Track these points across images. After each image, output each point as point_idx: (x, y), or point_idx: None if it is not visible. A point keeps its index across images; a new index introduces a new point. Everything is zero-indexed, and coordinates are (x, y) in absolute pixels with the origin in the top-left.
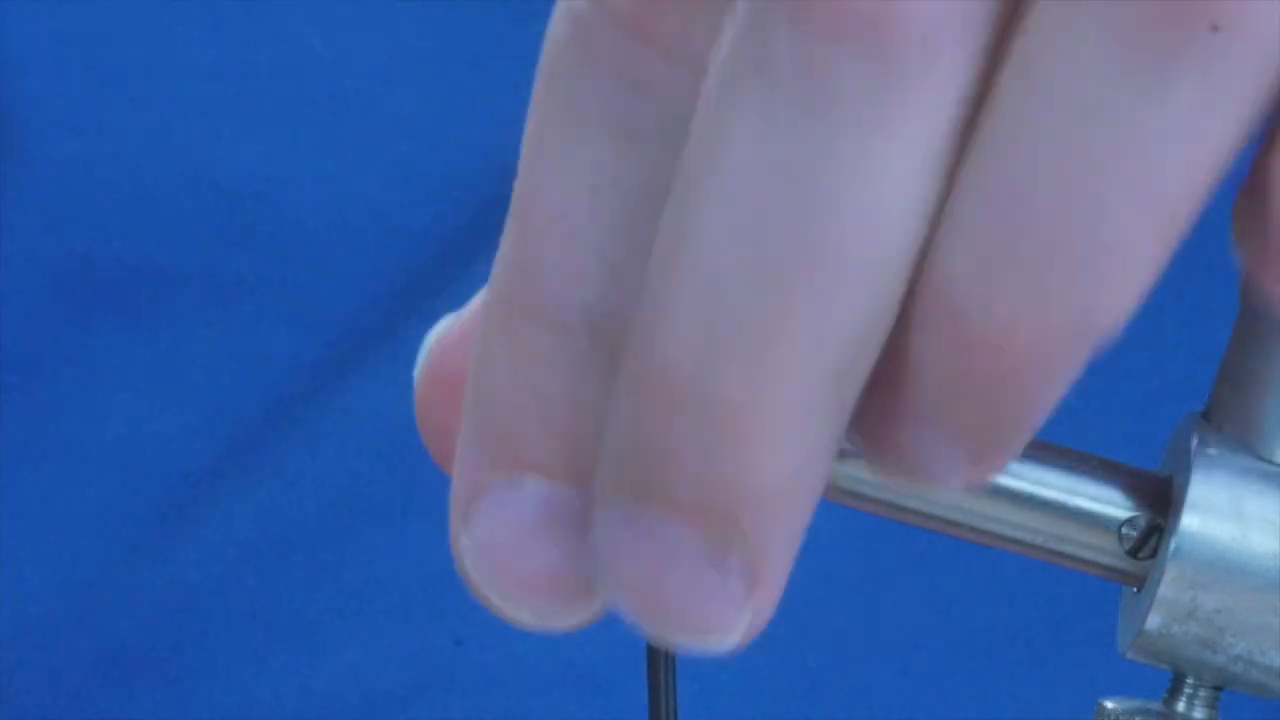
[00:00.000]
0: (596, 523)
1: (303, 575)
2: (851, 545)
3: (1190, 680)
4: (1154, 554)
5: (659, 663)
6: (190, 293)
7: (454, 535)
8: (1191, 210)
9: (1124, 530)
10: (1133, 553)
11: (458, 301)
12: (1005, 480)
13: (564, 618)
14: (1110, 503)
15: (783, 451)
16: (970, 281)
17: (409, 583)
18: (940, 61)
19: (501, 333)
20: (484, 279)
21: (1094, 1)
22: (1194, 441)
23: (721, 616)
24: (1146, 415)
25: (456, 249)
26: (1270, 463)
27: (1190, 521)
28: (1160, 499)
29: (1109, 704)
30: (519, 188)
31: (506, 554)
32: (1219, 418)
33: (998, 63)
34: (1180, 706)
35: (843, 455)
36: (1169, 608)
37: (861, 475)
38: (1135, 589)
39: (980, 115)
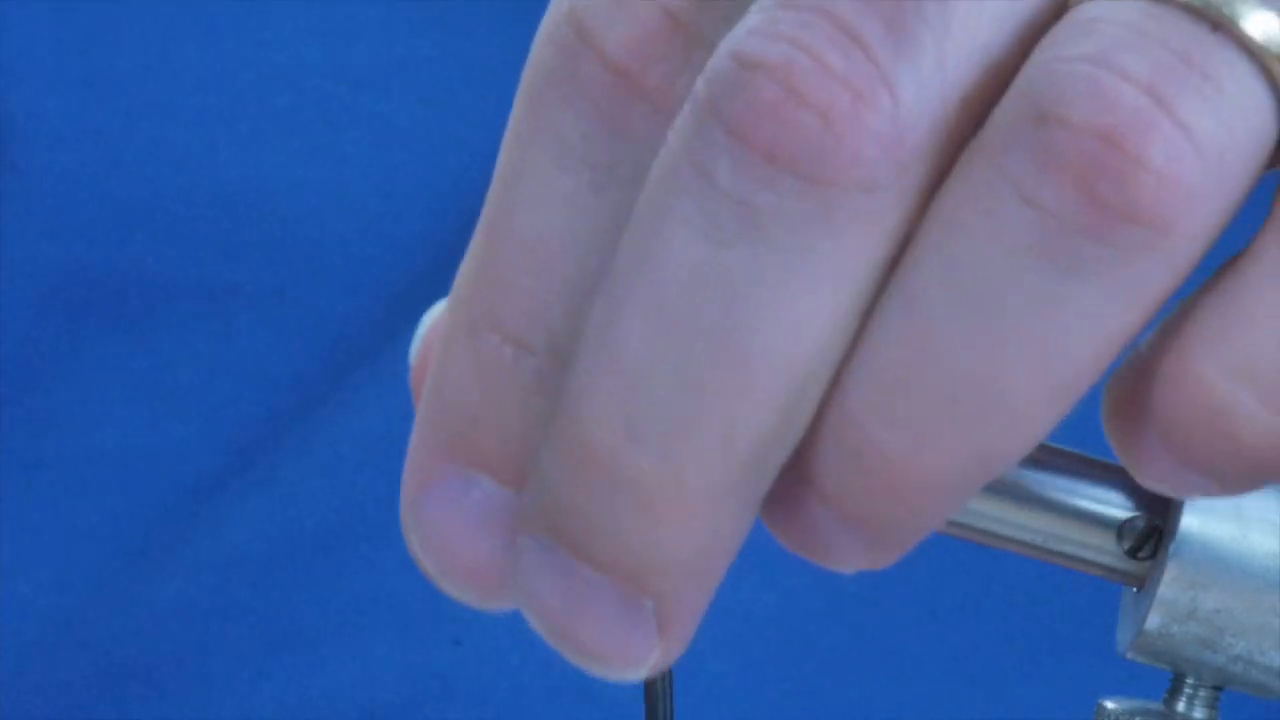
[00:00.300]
0: (519, 548)
1: (301, 586)
2: None
3: (1190, 680)
4: (1154, 554)
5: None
6: (186, 303)
7: (403, 517)
8: (1087, 384)
9: (1124, 530)
10: (1133, 553)
11: None
12: (1005, 480)
13: (498, 602)
14: (1110, 503)
15: (692, 530)
16: (872, 412)
17: (407, 594)
18: (874, 202)
19: (463, 338)
20: None
21: (1023, 187)
22: None
23: (629, 652)
24: None
25: (453, 258)
26: None
27: (1190, 522)
28: (1160, 499)
29: (1109, 704)
30: (492, 203)
31: (451, 541)
32: None
33: (926, 211)
34: (1180, 706)
35: None
36: (1169, 608)
37: None
38: (1135, 589)
39: (903, 258)
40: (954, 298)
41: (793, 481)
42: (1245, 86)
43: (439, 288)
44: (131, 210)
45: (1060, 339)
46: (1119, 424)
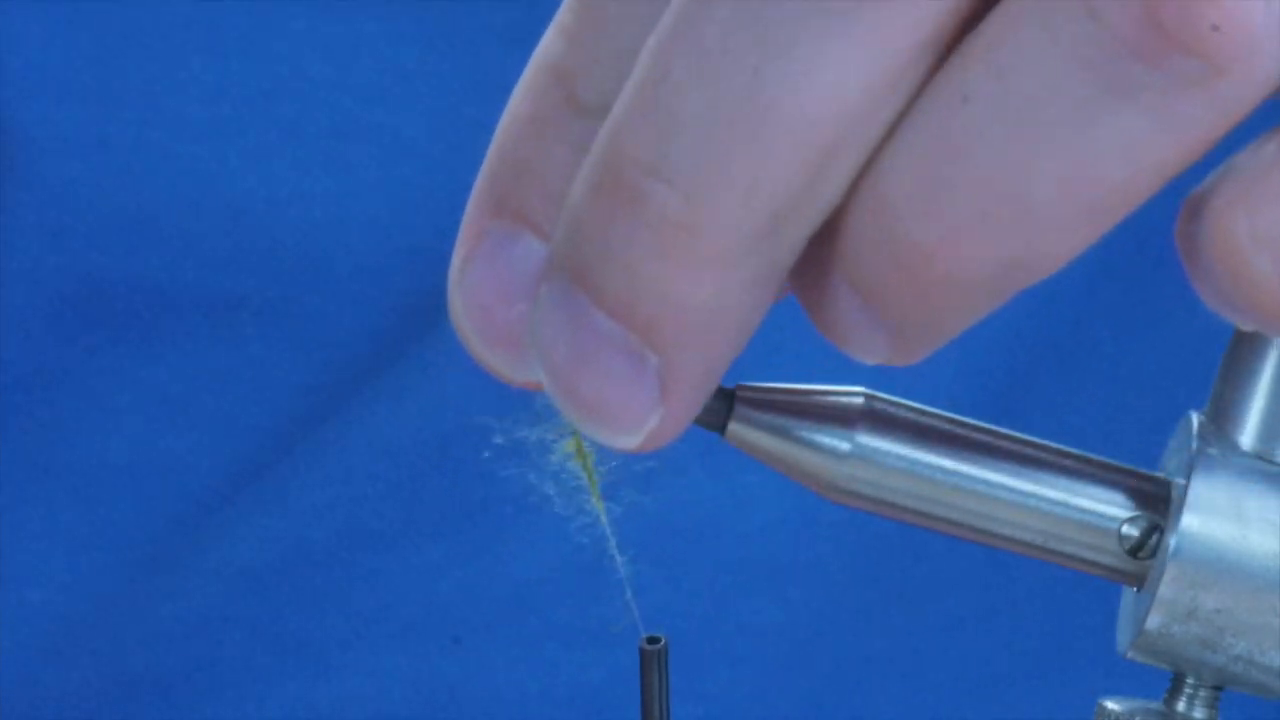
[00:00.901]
0: (538, 297)
1: (308, 597)
2: (849, 561)
3: (1190, 680)
4: (1154, 554)
5: (652, 682)
6: (194, 314)
7: (450, 279)
8: (1121, 210)
9: (1124, 530)
10: (1133, 553)
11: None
12: (1005, 480)
13: (527, 370)
14: (1110, 503)
15: (705, 281)
16: (907, 202)
17: (413, 606)
18: None
19: (525, 87)
20: None
21: (1084, 7)
22: (1194, 441)
23: (629, 411)
24: (1146, 415)
25: None
26: (1270, 463)
27: (1190, 521)
28: (1160, 499)
29: (1109, 704)
30: None
31: (490, 300)
32: (1219, 418)
33: (976, 16)
34: (1180, 706)
35: (843, 456)
36: (1169, 608)
37: (862, 475)
38: (1135, 589)
39: (954, 53)
40: (999, 97)
41: (826, 265)
42: None
43: (445, 298)
44: (140, 222)
45: (1094, 157)
46: (1182, 244)
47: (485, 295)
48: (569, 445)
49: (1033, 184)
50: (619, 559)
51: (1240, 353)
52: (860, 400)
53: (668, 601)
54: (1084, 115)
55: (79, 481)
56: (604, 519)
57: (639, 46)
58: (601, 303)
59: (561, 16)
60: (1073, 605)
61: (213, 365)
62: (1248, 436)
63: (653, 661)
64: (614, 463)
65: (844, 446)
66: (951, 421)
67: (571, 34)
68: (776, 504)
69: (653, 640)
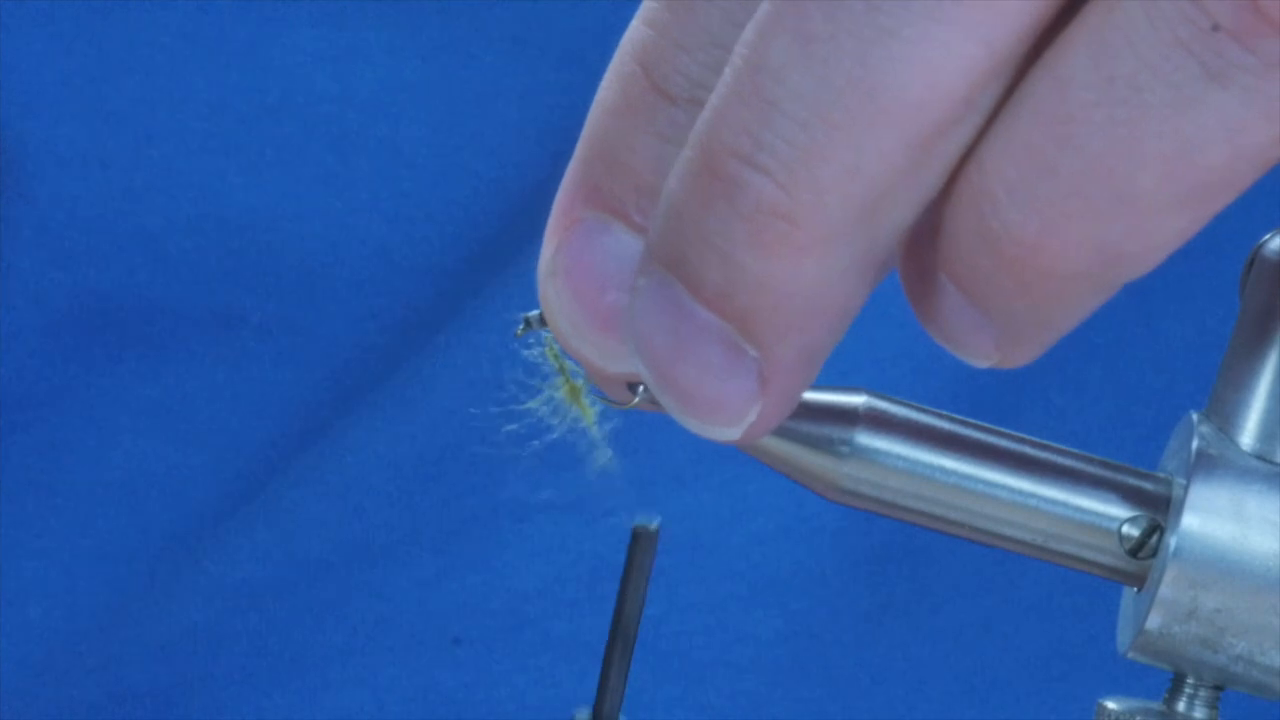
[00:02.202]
0: (635, 289)
1: (305, 612)
2: (849, 571)
3: (1190, 680)
4: (1154, 554)
5: (640, 564)
6: (194, 329)
7: (542, 267)
8: (1222, 196)
9: (1124, 530)
10: (1133, 553)
11: (461, 338)
12: (1006, 480)
13: (618, 361)
14: (1110, 503)
15: (803, 269)
16: (1006, 190)
17: (411, 619)
18: None
19: (615, 78)
20: (488, 314)
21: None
22: (1194, 441)
23: (728, 404)
24: (1146, 415)
25: (460, 285)
26: (1270, 463)
27: (1191, 521)
28: (1161, 499)
29: (1109, 704)
30: None
31: (585, 287)
32: (1219, 418)
33: (1076, 3)
34: (1181, 706)
35: (844, 456)
36: (1169, 608)
37: (863, 475)
38: (1136, 589)
39: (1055, 39)
40: (1100, 83)
41: (930, 264)
42: None
43: (446, 315)
44: (140, 237)
45: (1194, 140)
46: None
47: (577, 284)
48: (560, 386)
49: (1134, 168)
50: (607, 452)
51: (1240, 353)
52: (861, 400)
53: (668, 612)
54: (1183, 97)
55: (78, 497)
56: (594, 428)
57: (727, 36)
58: (699, 293)
59: (648, 6)
60: (1073, 614)
61: (212, 381)
62: (1248, 437)
63: (644, 545)
64: (615, 421)
65: (845, 447)
66: (952, 421)
67: (660, 24)
68: (776, 514)
69: (644, 526)
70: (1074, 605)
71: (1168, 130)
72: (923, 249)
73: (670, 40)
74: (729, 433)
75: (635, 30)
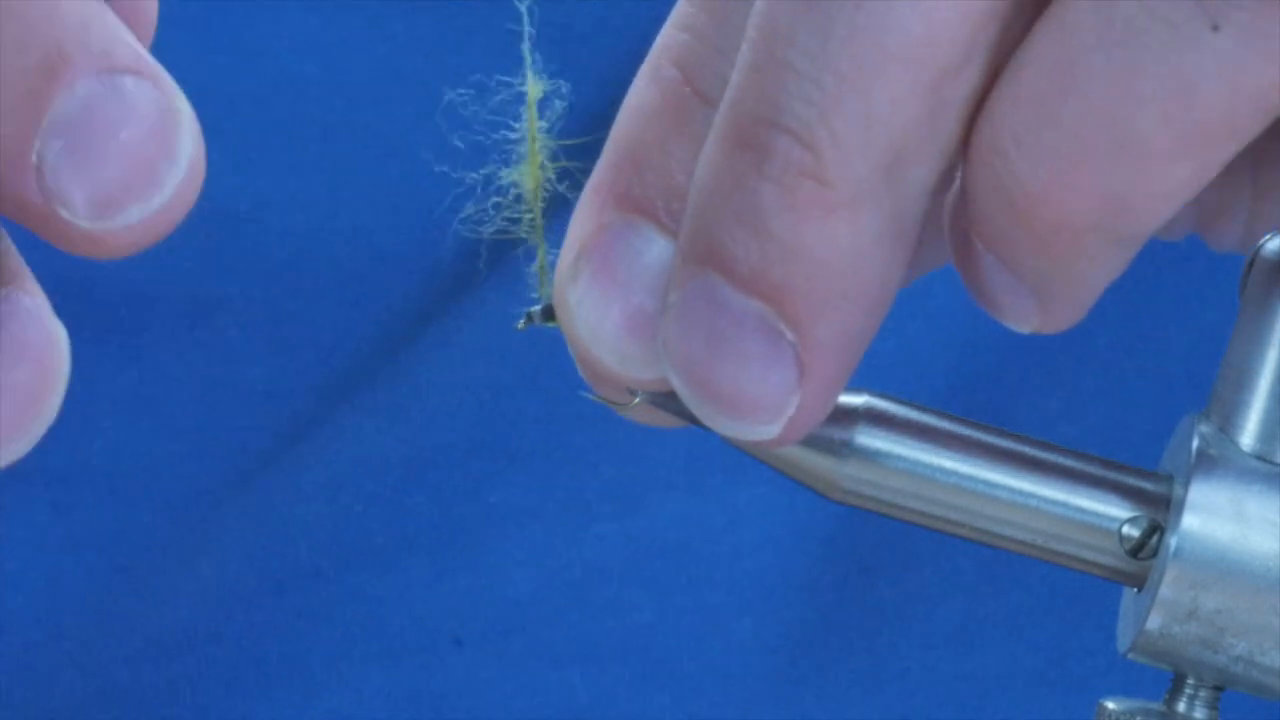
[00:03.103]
0: (669, 303)
1: (293, 614)
2: (840, 578)
3: (1191, 680)
4: (1154, 554)
5: None
6: (175, 316)
7: (562, 273)
8: (1224, 143)
9: (1124, 530)
10: (1133, 553)
11: (448, 331)
12: (1006, 480)
13: (637, 367)
14: (1110, 503)
15: (836, 225)
16: (1014, 141)
17: (403, 623)
18: None
19: (647, 77)
20: (475, 308)
21: None
22: (1194, 442)
23: (766, 397)
24: (1146, 415)
25: (448, 275)
26: (1270, 463)
27: (1191, 522)
28: (1161, 499)
29: (1109, 704)
30: None
31: (612, 286)
32: (1219, 418)
33: None
34: (1181, 707)
35: (844, 456)
36: (1170, 608)
37: (863, 475)
38: (1136, 589)
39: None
40: (1102, 28)
41: (965, 231)
42: None
43: (434, 305)
44: None
45: (1192, 83)
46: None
47: (605, 286)
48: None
49: (1134, 111)
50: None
51: (1240, 354)
52: (861, 400)
53: (658, 620)
54: (1181, 39)
55: (57, 486)
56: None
57: None
58: (734, 276)
59: (681, 10)
60: (1069, 618)
61: (193, 369)
62: (1248, 437)
63: None
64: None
65: (845, 447)
66: (953, 421)
67: (696, 28)
68: (767, 522)
69: None
70: (1070, 608)
71: (1166, 71)
72: (960, 217)
73: (708, 45)
74: (767, 430)
75: (670, 35)
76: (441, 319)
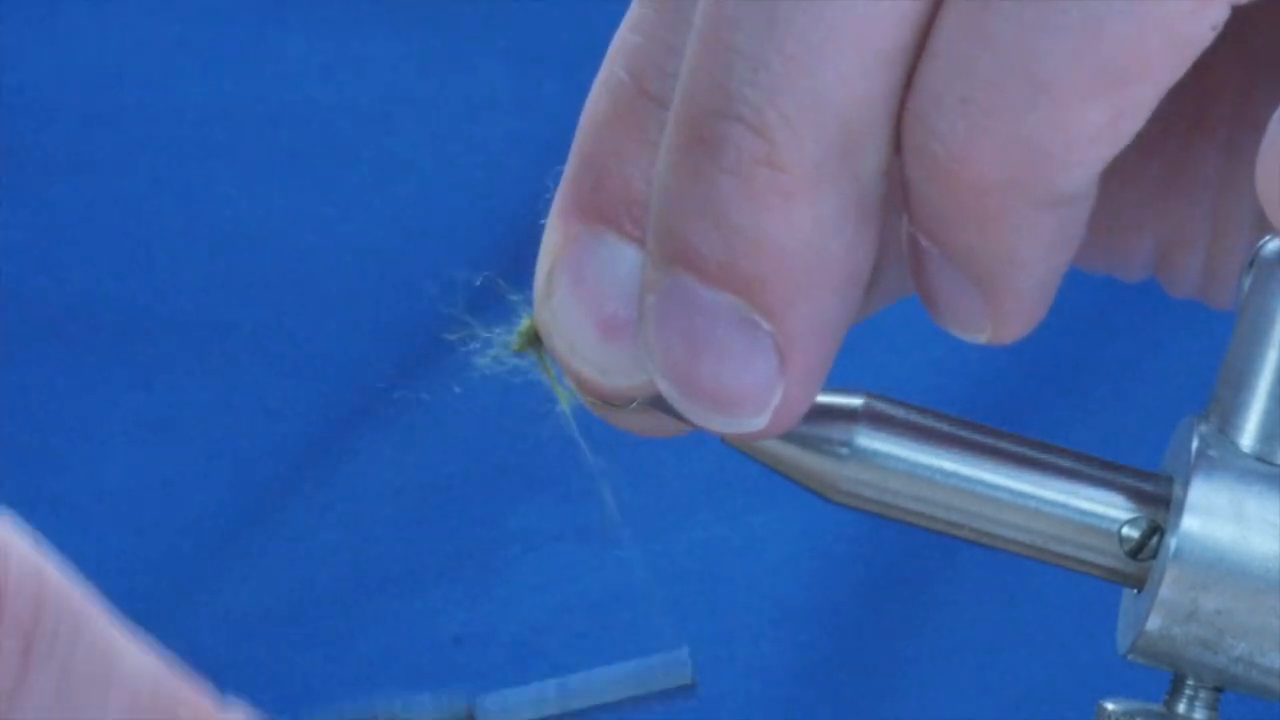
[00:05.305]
0: (643, 308)
1: (312, 641)
2: (861, 599)
3: (1191, 681)
4: (1154, 555)
5: None
6: (188, 339)
7: (539, 289)
8: (1139, 83)
9: (1124, 532)
10: (1133, 554)
11: (467, 354)
12: (1005, 481)
13: (619, 375)
14: (1110, 504)
15: (797, 211)
16: (934, 103)
17: (420, 649)
18: None
19: (609, 93)
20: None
21: None
22: (1194, 443)
23: (751, 390)
24: (1146, 415)
25: (459, 300)
26: (1270, 464)
27: (1191, 523)
28: (1161, 500)
29: (1109, 705)
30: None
31: (585, 298)
32: (1219, 418)
33: None
34: (1181, 708)
35: (844, 457)
36: (1169, 609)
37: (863, 477)
38: (1135, 590)
39: None
40: None
41: (912, 234)
42: None
43: (445, 328)
44: (132, 245)
45: (1100, 16)
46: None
47: (578, 298)
48: (524, 328)
49: (1043, 50)
50: (591, 459)
51: (1240, 354)
52: (861, 402)
53: (677, 644)
54: None
55: (72, 508)
56: (565, 405)
57: None
58: (703, 272)
59: (633, 12)
60: (1083, 633)
61: (206, 391)
62: (1248, 438)
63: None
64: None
65: (845, 448)
66: (952, 423)
67: (644, 28)
68: (786, 544)
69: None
70: (1084, 622)
71: (1072, 6)
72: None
73: (659, 44)
74: (755, 422)
75: (622, 39)
76: (450, 340)
